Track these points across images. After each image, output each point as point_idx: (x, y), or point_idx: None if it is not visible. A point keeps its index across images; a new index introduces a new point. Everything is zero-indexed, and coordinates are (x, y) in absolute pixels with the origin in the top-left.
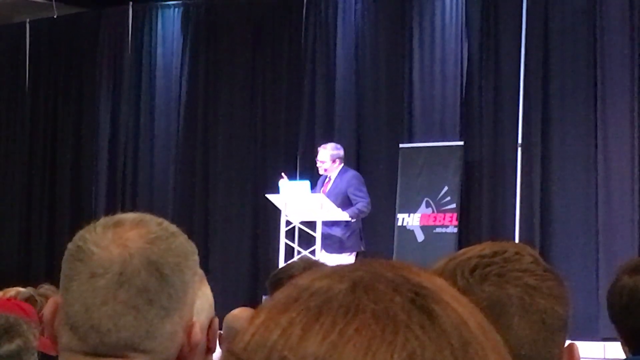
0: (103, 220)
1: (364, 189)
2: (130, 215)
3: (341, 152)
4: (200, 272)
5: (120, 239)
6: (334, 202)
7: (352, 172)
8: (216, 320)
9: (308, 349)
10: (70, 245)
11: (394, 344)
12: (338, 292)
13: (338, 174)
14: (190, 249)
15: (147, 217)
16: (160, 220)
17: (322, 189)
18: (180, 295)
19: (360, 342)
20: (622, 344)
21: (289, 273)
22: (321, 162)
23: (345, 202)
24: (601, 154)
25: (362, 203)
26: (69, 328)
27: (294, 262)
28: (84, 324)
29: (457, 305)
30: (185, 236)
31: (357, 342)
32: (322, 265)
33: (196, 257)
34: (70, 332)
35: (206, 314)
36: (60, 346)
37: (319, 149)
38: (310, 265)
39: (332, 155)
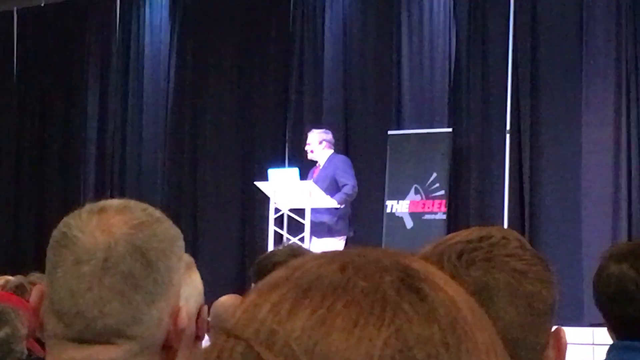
0: (88, 206)
1: (351, 171)
2: (115, 202)
3: (328, 136)
4: (190, 259)
5: (104, 225)
6: (323, 186)
7: (340, 157)
8: (205, 307)
9: (297, 323)
10: (55, 232)
11: (381, 318)
12: (328, 271)
13: (327, 160)
14: (175, 234)
15: (132, 203)
16: (145, 206)
17: (313, 175)
18: (166, 280)
19: (349, 317)
20: (608, 330)
21: (272, 260)
22: (308, 144)
23: (333, 186)
24: (585, 141)
25: (347, 186)
26: (54, 315)
27: (277, 249)
28: (69, 310)
29: (448, 288)
30: (170, 222)
31: (345, 316)
32: (307, 252)
33: (181, 243)
34: (56, 318)
35: (195, 301)
36: (46, 333)
37: (307, 133)
38: (294, 251)
39: (318, 138)
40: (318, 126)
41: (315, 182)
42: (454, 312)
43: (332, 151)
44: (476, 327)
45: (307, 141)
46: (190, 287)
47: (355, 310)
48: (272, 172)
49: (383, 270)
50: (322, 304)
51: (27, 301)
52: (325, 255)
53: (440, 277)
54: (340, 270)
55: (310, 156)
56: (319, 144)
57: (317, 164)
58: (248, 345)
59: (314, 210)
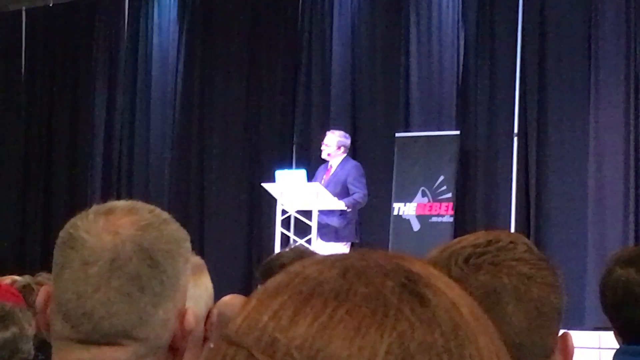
0: (95, 207)
1: (363, 180)
2: (122, 203)
3: (347, 142)
4: (201, 261)
5: (112, 226)
6: (333, 190)
7: (353, 163)
8: (215, 310)
9: (298, 331)
10: (62, 233)
11: (384, 325)
12: (329, 277)
13: (340, 163)
14: (182, 235)
15: (139, 204)
16: (152, 207)
17: (323, 176)
18: (173, 281)
19: (351, 324)
20: (614, 334)
21: (279, 262)
22: (326, 145)
23: (344, 192)
24: (593, 144)
25: (359, 194)
26: (61, 316)
27: (284, 251)
28: (76, 311)
29: (449, 292)
30: (177, 223)
31: (347, 323)
32: (314, 254)
33: (188, 244)
34: (63, 320)
35: (205, 303)
36: (52, 334)
37: (327, 132)
38: (300, 254)
39: (338, 142)
40: (325, 130)
41: (326, 186)
42: (456, 317)
43: (345, 155)
44: (479, 332)
45: (325, 141)
46: (200, 289)
47: (357, 317)
48: (279, 174)
49: (384, 275)
50: (324, 311)
51: (20, 297)
52: (327, 259)
53: (442, 281)
54: (342, 275)
55: (324, 156)
56: (337, 149)
57: (329, 165)
58: (249, 354)
59: (321, 213)
